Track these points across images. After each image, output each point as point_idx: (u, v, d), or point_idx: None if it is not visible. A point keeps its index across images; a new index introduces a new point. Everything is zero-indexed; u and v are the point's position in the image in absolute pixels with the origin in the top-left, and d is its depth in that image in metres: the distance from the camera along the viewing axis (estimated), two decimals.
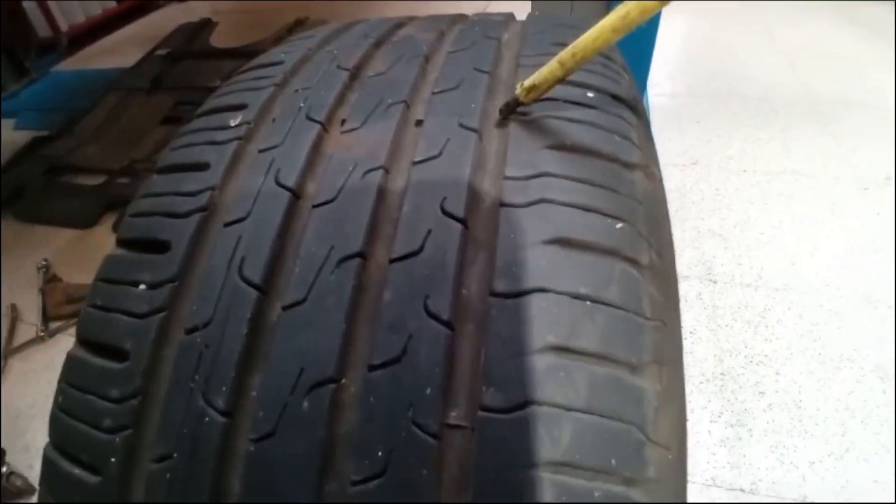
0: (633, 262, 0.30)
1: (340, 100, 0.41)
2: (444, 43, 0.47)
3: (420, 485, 0.26)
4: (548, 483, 0.25)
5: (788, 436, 1.19)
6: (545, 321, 0.28)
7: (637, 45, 1.67)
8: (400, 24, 0.53)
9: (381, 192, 0.34)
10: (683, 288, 1.49)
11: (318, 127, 0.38)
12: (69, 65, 3.04)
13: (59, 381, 0.36)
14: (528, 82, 0.36)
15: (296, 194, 0.35)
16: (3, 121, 2.50)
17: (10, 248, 1.79)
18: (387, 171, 0.35)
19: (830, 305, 1.41)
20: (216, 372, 0.30)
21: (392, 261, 0.31)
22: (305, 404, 0.28)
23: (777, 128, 1.91)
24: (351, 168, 0.35)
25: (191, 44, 2.81)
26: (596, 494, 0.25)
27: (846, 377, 1.27)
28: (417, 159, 0.35)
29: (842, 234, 1.55)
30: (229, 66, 2.35)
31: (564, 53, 0.34)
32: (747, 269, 1.50)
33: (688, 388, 1.32)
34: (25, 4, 2.94)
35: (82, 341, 0.37)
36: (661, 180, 0.37)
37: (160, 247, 0.36)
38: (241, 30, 3.13)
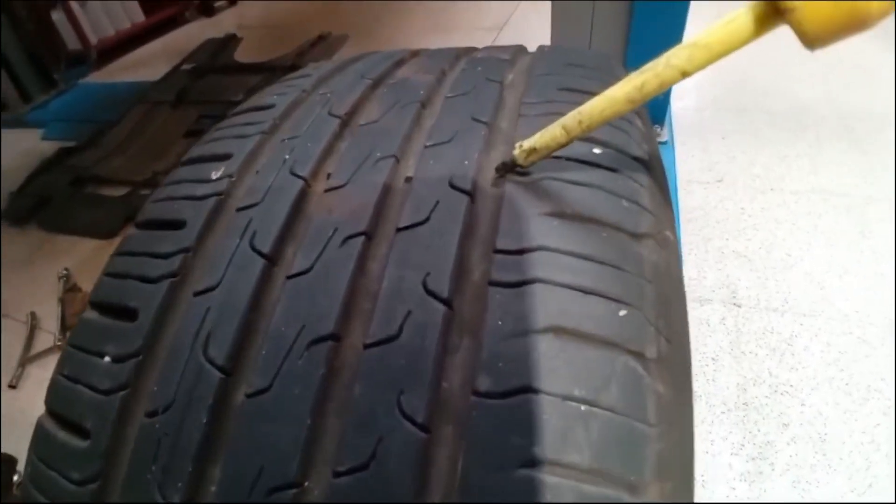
0: (638, 355, 0.27)
1: (328, 151, 0.38)
2: (443, 86, 0.44)
3: None
4: None
5: (811, 471, 1.14)
6: (532, 430, 0.24)
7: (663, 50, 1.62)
8: (400, 61, 0.50)
9: (361, 263, 0.31)
10: (706, 312, 1.44)
11: (301, 183, 0.36)
12: (98, 77, 3.11)
13: (29, 450, 0.34)
14: (527, 144, 0.32)
15: (271, 260, 0.32)
16: (32, 131, 2.56)
17: (34, 256, 1.82)
18: (368, 238, 0.32)
19: (859, 332, 1.34)
20: (174, 463, 0.28)
21: (366, 346, 0.28)
22: None
23: (806, 144, 1.83)
24: (331, 233, 0.32)
25: (216, 58, 2.86)
26: None
27: (873, 409, 1.21)
28: (402, 225, 0.32)
29: (873, 258, 1.48)
30: (253, 81, 2.38)
31: (570, 120, 0.31)
32: (773, 293, 1.44)
33: (709, 418, 1.27)
34: (55, 17, 3.01)
35: (50, 411, 0.35)
36: (675, 245, 0.33)
37: (129, 314, 0.33)
38: (265, 45, 3.17)
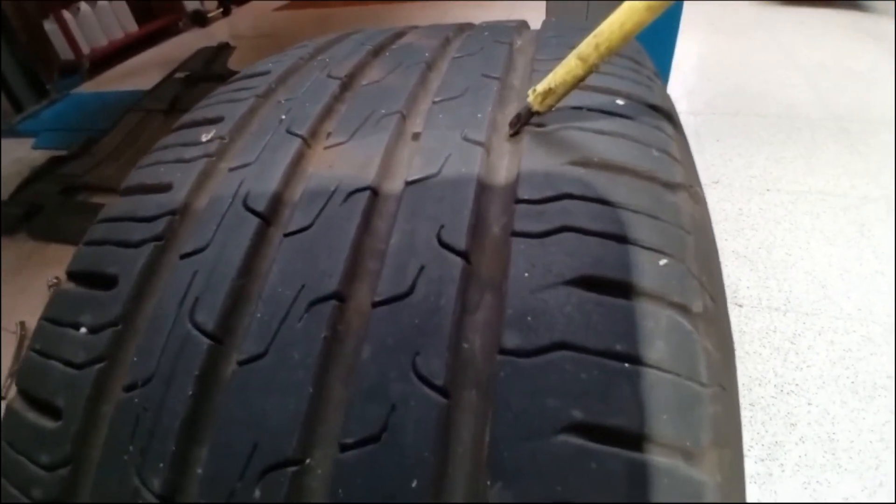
0: (684, 309, 0.23)
1: (328, 111, 0.35)
2: (449, 49, 0.41)
3: None
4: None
5: (821, 471, 1.11)
6: (570, 390, 0.21)
7: (654, 60, 1.62)
8: (402, 32, 0.47)
9: (367, 219, 0.27)
10: None
11: (298, 142, 0.32)
12: (90, 87, 3.08)
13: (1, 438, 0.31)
14: (541, 86, 0.29)
15: (266, 220, 0.29)
16: (23, 140, 2.52)
17: (24, 265, 1.77)
18: (375, 193, 0.29)
19: (863, 330, 1.32)
20: (155, 442, 0.24)
21: (375, 305, 0.24)
22: (257, 493, 0.22)
23: (801, 146, 1.83)
24: (332, 189, 0.29)
25: (209, 67, 2.85)
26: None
27: (880, 407, 1.19)
28: (412, 178, 0.29)
29: (873, 256, 1.47)
30: None
31: (584, 46, 0.28)
32: (775, 293, 1.42)
33: None
34: (48, 27, 2.99)
35: (20, 391, 0.31)
36: (706, 204, 0.31)
37: (108, 281, 0.30)
38: (258, 54, 3.17)
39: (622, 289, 0.23)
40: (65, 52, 3.13)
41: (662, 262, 0.24)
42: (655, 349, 0.22)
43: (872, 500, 1.04)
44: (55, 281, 1.60)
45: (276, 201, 0.29)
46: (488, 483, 0.20)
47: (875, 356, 1.28)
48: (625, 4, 0.27)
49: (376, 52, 0.42)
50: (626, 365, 0.22)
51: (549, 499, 0.19)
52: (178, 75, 2.75)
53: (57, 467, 0.26)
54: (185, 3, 3.88)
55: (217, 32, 3.79)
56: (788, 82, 2.20)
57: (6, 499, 0.29)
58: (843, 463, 1.13)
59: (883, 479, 1.08)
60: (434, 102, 0.33)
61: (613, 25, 0.27)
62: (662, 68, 1.64)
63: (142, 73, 3.21)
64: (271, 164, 0.31)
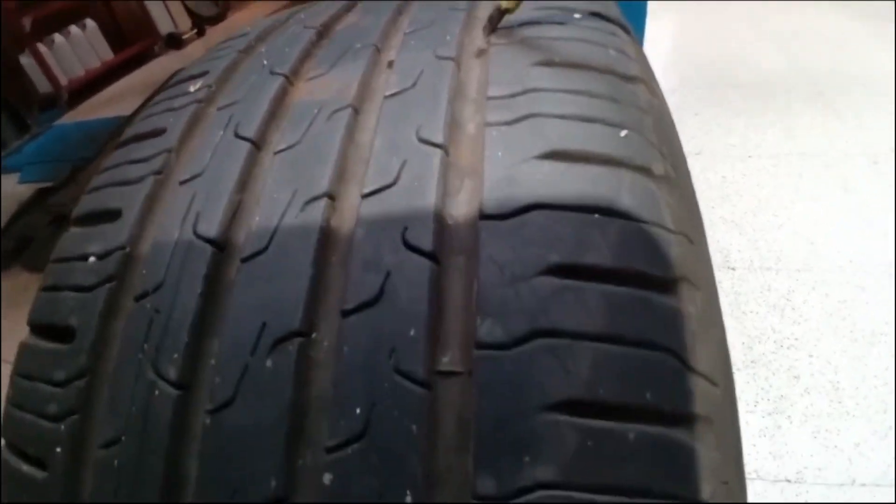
0: (646, 171, 0.26)
1: (307, 54, 0.38)
2: None
3: (409, 444, 0.21)
4: (566, 426, 0.20)
5: (829, 419, 1.13)
6: (546, 243, 0.23)
7: None
8: None
9: (350, 131, 0.30)
10: None
11: (281, 79, 0.35)
12: (72, 117, 3.10)
13: (12, 375, 0.32)
14: None
15: (256, 145, 0.31)
16: (9, 175, 2.53)
17: (21, 297, 1.77)
18: (356, 111, 0.31)
19: (856, 281, 1.35)
20: (168, 339, 0.26)
21: (365, 196, 0.27)
22: (269, 363, 0.24)
23: (777, 111, 1.87)
24: (316, 111, 0.31)
25: None
26: (631, 437, 0.20)
27: (881, 352, 1.21)
28: (389, 93, 0.31)
29: (857, 209, 1.50)
30: None
31: None
32: (765, 253, 1.45)
33: None
34: (24, 61, 3.01)
35: (32, 328, 0.32)
36: (664, 99, 0.33)
37: (112, 216, 0.32)
38: None
39: (587, 157, 0.26)
40: (43, 86, 3.14)
41: (623, 133, 0.26)
42: (622, 201, 0.24)
43: (884, 443, 1.05)
44: None
45: (265, 127, 0.32)
46: (478, 323, 0.22)
47: (870, 304, 1.30)
48: None
49: (349, 7, 0.44)
50: (597, 216, 0.24)
51: (533, 327, 0.21)
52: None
53: (72, 380, 0.28)
54: (159, 26, 3.89)
55: (193, 53, 3.81)
56: (762, 50, 2.24)
57: (17, 430, 0.31)
58: (850, 409, 1.15)
59: (892, 422, 1.09)
60: (406, 34, 0.36)
61: None
62: None
63: (121, 99, 3.22)
64: (257, 98, 0.33)
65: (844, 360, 1.23)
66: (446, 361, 0.22)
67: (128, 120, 2.61)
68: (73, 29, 3.41)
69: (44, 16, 3.13)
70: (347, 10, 0.45)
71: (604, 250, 0.23)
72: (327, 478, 0.21)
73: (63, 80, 3.25)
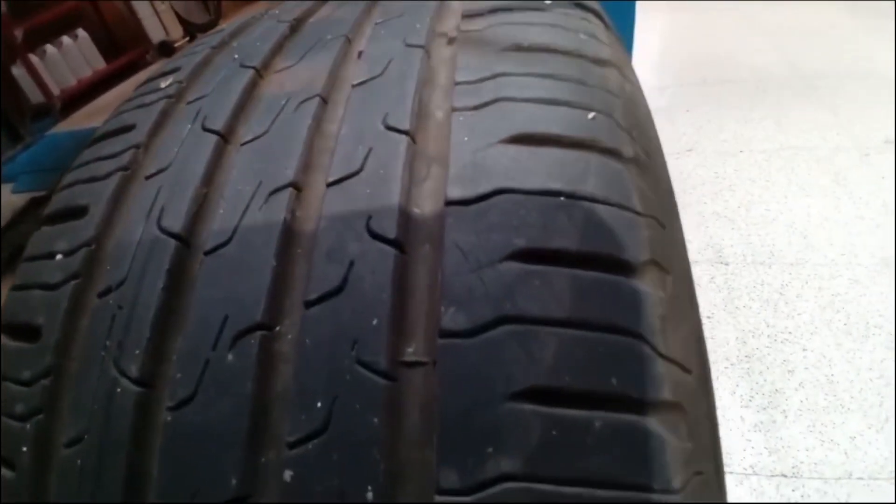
0: (614, 153, 0.25)
1: (278, 48, 0.37)
2: None
3: (370, 438, 0.20)
4: (531, 415, 0.19)
5: (825, 413, 1.12)
6: (511, 225, 0.23)
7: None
8: None
9: (317, 121, 0.29)
10: (695, 273, 1.42)
11: (251, 72, 0.34)
12: (65, 126, 3.09)
13: None
14: None
15: (223, 137, 0.30)
16: (2, 185, 2.51)
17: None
18: (324, 101, 0.30)
19: (849, 274, 1.34)
20: (130, 335, 0.25)
21: (329, 185, 0.26)
22: (230, 357, 0.23)
23: (769, 106, 1.88)
24: (284, 102, 0.31)
25: None
26: (596, 425, 0.19)
27: (875, 344, 1.21)
28: (357, 82, 0.30)
29: (850, 202, 1.50)
30: None
31: None
32: (758, 248, 1.45)
33: (714, 375, 1.25)
34: (16, 72, 3.00)
35: (3, 328, 0.32)
36: (638, 85, 0.32)
37: (79, 213, 0.31)
38: None
39: (554, 140, 0.25)
40: (35, 96, 3.13)
41: (591, 115, 0.26)
42: (588, 184, 0.23)
43: (881, 436, 1.05)
44: None
45: (233, 120, 0.31)
46: (442, 311, 0.21)
47: (864, 297, 1.30)
48: None
49: (323, 0, 0.44)
50: (562, 199, 0.23)
51: (498, 314, 0.21)
52: None
53: (38, 379, 0.27)
54: (151, 34, 3.88)
55: None
56: (753, 46, 2.25)
57: None
58: (846, 403, 1.14)
59: (888, 415, 1.09)
60: (376, 24, 0.35)
61: None
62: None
63: (114, 107, 3.21)
64: (226, 91, 0.33)
65: (839, 353, 1.22)
66: (410, 351, 0.22)
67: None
68: (65, 39, 3.41)
69: (35, 26, 3.13)
70: (322, 3, 0.45)
71: (570, 234, 0.22)
72: (288, 475, 0.21)
73: (55, 90, 3.24)
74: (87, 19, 3.59)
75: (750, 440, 1.13)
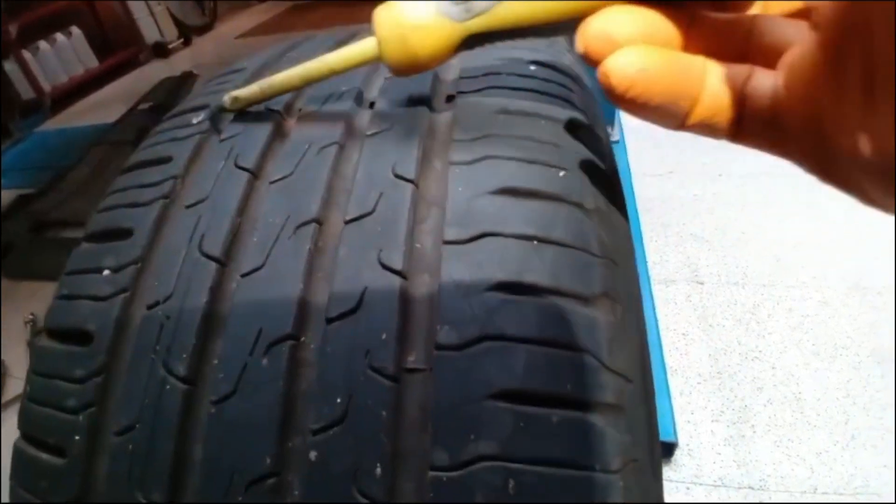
0: (579, 205, 0.31)
1: (299, 93, 0.43)
2: None
3: (379, 427, 0.26)
4: (504, 411, 0.25)
5: (792, 429, 1.18)
6: (494, 262, 0.29)
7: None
8: (360, 28, 0.55)
9: (336, 166, 0.35)
10: (672, 292, 1.50)
11: (277, 115, 0.40)
12: (54, 123, 3.10)
13: (28, 373, 0.37)
14: (234, 94, 0.40)
15: (254, 174, 0.36)
16: None
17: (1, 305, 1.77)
18: (341, 147, 0.36)
19: (819, 296, 1.41)
20: (177, 340, 0.31)
21: (347, 222, 0.32)
22: (265, 362, 0.28)
23: None
24: (307, 147, 0.36)
25: (174, 96, 2.86)
26: (554, 419, 0.25)
27: (843, 365, 1.27)
28: (370, 133, 0.36)
29: (823, 227, 1.57)
30: None
31: (264, 82, 0.38)
32: (733, 269, 1.51)
33: (686, 390, 1.31)
34: (8, 67, 3.01)
35: (48, 331, 0.37)
36: (607, 141, 0.39)
37: (124, 234, 0.37)
38: None
39: (532, 193, 0.31)
40: (26, 92, 3.13)
41: (561, 173, 0.32)
42: (557, 230, 0.30)
43: (846, 454, 1.10)
44: (31, 317, 1.61)
45: (262, 159, 0.37)
46: (437, 329, 0.27)
47: (833, 318, 1.37)
48: (302, 67, 0.35)
49: (338, 46, 0.50)
50: (536, 242, 0.29)
51: (481, 333, 0.27)
52: (143, 106, 2.76)
53: (91, 377, 0.32)
54: (145, 35, 3.89)
55: (179, 63, 3.80)
56: None
57: (35, 422, 0.35)
58: (812, 420, 1.20)
59: (854, 433, 1.14)
60: (386, 78, 0.41)
61: (284, 78, 0.37)
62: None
63: (105, 106, 3.20)
64: (255, 132, 0.39)
65: (807, 372, 1.28)
66: (412, 360, 0.28)
67: (112, 127, 2.62)
68: (59, 36, 3.41)
69: (30, 22, 3.14)
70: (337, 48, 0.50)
71: (540, 271, 0.28)
72: (313, 455, 0.26)
73: (47, 87, 3.24)
74: (81, 17, 3.60)
75: (720, 453, 1.18)
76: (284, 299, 0.29)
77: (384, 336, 0.27)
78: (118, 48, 3.76)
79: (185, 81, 3.12)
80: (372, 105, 0.40)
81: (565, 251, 0.29)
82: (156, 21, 3.89)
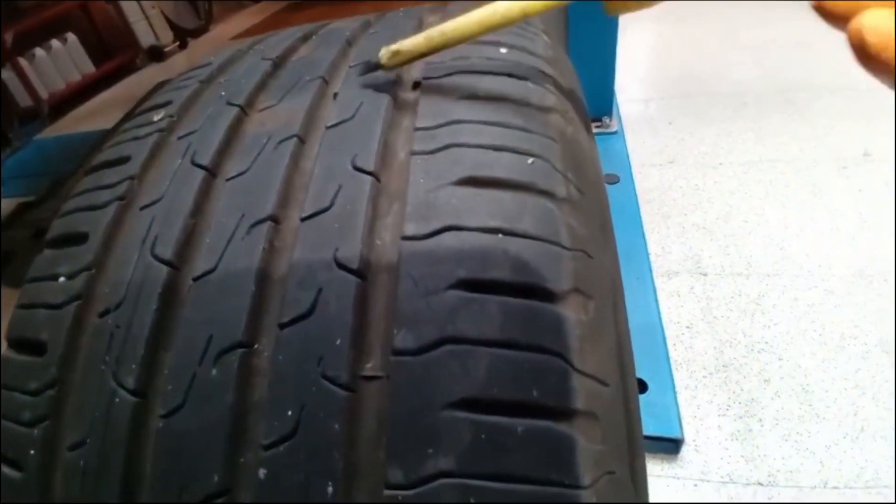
0: (548, 194, 0.29)
1: (262, 86, 0.41)
2: (368, 29, 0.47)
3: (332, 441, 0.24)
4: (464, 422, 0.23)
5: (800, 422, 1.15)
6: (457, 258, 0.27)
7: (600, 50, 1.71)
8: (328, 22, 0.54)
9: (295, 159, 0.33)
10: (675, 284, 1.47)
11: (236, 110, 0.38)
12: (53, 130, 3.10)
13: None
14: (394, 47, 0.36)
15: (211, 172, 0.34)
16: None
17: (3, 314, 1.77)
18: (301, 140, 0.34)
19: (825, 285, 1.38)
20: (127, 351, 0.29)
21: (303, 219, 0.30)
22: (214, 372, 0.27)
23: (748, 119, 1.93)
24: (265, 141, 0.34)
25: None
26: (519, 430, 0.23)
27: (851, 355, 1.24)
28: (330, 124, 0.34)
29: (826, 214, 1.54)
30: None
31: (433, 31, 0.35)
32: (736, 259, 1.49)
33: (692, 384, 1.29)
34: (4, 75, 3.02)
35: (9, 342, 0.35)
36: (584, 127, 0.36)
37: (80, 239, 0.35)
38: None
39: (496, 183, 0.29)
40: (23, 99, 3.13)
41: (530, 160, 0.30)
42: (523, 222, 0.27)
43: (856, 446, 1.08)
44: None
45: (219, 156, 0.35)
46: (394, 333, 0.25)
47: (839, 307, 1.34)
48: (465, 16, 0.34)
49: (305, 38, 0.48)
50: (500, 235, 0.27)
51: (441, 335, 0.25)
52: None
53: (44, 390, 0.30)
54: (140, 39, 3.89)
55: (175, 66, 3.81)
56: (734, 61, 2.31)
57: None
58: (821, 412, 1.17)
59: (863, 424, 1.12)
60: (350, 67, 0.39)
61: (454, 27, 0.34)
62: (607, 61, 1.72)
63: (103, 112, 3.21)
64: (213, 128, 0.37)
65: (814, 362, 1.25)
66: (369, 367, 0.26)
67: (108, 134, 2.62)
68: (55, 43, 3.41)
69: (25, 30, 3.14)
70: (304, 39, 0.49)
71: (504, 267, 0.26)
72: (262, 472, 0.24)
73: (44, 94, 3.24)
74: (76, 23, 3.60)
75: (727, 448, 1.16)
76: (236, 304, 0.28)
77: (338, 342, 0.25)
78: (114, 53, 3.76)
79: None
80: (335, 96, 0.38)
81: (532, 244, 0.27)
82: (150, 24, 3.88)
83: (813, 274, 1.42)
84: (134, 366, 0.28)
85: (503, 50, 0.38)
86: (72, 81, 3.44)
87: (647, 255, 1.51)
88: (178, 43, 4.11)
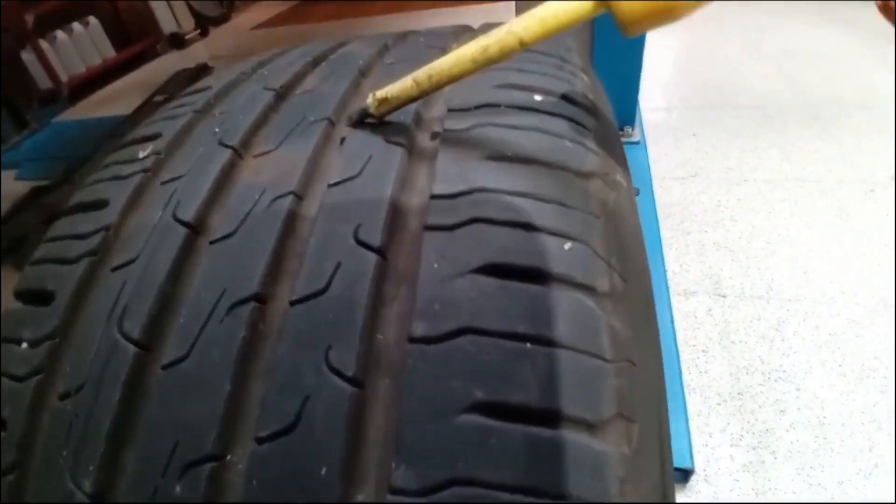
0: (587, 289, 0.24)
1: (261, 121, 0.36)
2: (384, 56, 0.42)
3: None
4: None
5: (814, 455, 1.11)
6: (473, 372, 0.22)
7: (625, 60, 1.65)
8: (343, 42, 0.49)
9: (290, 223, 0.28)
10: (692, 304, 1.42)
11: (229, 152, 0.33)
12: (71, 114, 3.09)
13: None
14: (380, 94, 0.32)
15: (194, 229, 0.30)
16: (5, 172, 2.52)
17: (8, 298, 1.75)
18: (299, 198, 0.30)
19: (847, 313, 1.33)
20: (86, 447, 0.25)
21: (293, 303, 0.25)
22: (178, 489, 0.22)
23: (774, 134, 1.86)
24: (257, 196, 0.30)
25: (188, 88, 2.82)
26: None
27: (869, 388, 1.20)
28: (333, 181, 0.30)
29: (852, 239, 1.48)
30: None
31: (421, 73, 0.31)
32: (757, 281, 1.43)
33: (704, 411, 1.25)
34: (25, 57, 3.00)
35: None
36: (628, 191, 0.31)
37: (46, 298, 0.31)
38: None
39: (526, 273, 0.24)
40: (43, 82, 3.13)
41: (567, 245, 0.25)
42: (557, 328, 0.23)
43: (869, 483, 1.04)
44: None
45: (205, 210, 0.30)
46: (393, 466, 0.21)
47: (860, 338, 1.28)
48: (455, 53, 0.31)
49: (315, 63, 0.43)
50: (528, 345, 0.22)
51: (449, 476, 0.20)
52: (158, 98, 2.75)
53: (5, 474, 0.27)
54: (162, 26, 3.89)
55: (196, 54, 3.80)
56: (758, 71, 2.23)
57: None
58: (836, 446, 1.13)
59: (878, 461, 1.08)
60: (361, 107, 0.34)
61: (444, 67, 0.31)
62: (633, 70, 1.66)
63: (121, 98, 3.21)
64: (201, 174, 0.32)
65: (832, 394, 1.21)
66: (360, 499, 0.21)
67: (126, 120, 2.60)
68: (76, 26, 3.42)
69: (47, 12, 3.14)
70: (314, 65, 0.44)
71: (531, 388, 0.21)
72: None
73: (64, 77, 3.24)
74: (99, 7, 3.59)
75: (738, 480, 1.12)
76: (207, 406, 0.23)
77: (324, 470, 0.21)
78: (135, 38, 3.75)
79: (199, 74, 3.09)
80: (343, 141, 0.33)
81: (567, 356, 0.22)
82: (173, 11, 3.87)
83: (835, 300, 1.37)
84: (91, 467, 0.24)
85: (537, 97, 0.33)
86: (92, 65, 3.44)
87: (665, 272, 1.46)
88: (199, 31, 4.11)
